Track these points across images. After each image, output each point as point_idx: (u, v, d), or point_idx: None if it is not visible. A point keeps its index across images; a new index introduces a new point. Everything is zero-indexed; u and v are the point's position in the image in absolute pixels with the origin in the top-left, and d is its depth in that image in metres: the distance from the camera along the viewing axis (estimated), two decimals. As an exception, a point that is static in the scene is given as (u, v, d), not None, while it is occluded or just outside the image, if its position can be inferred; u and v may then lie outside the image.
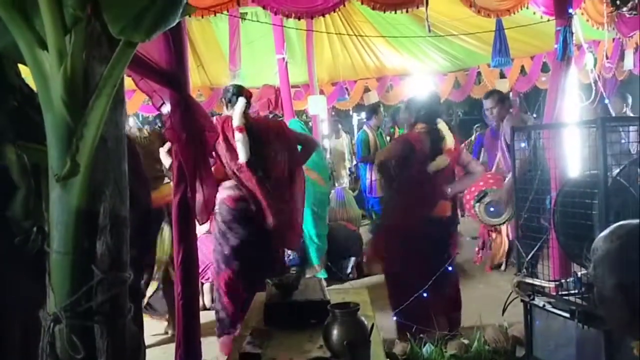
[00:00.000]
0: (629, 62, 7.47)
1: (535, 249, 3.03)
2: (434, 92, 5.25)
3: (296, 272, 4.18)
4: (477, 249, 6.38)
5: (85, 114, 1.25)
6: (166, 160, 3.91)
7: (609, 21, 5.15)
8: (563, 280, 2.83)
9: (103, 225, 1.29)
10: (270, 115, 7.77)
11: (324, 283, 2.76)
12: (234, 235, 3.87)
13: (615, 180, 2.55)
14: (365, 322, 2.01)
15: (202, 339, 3.19)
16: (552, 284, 2.83)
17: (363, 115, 13.78)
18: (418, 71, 9.50)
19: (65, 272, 1.27)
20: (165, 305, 4.52)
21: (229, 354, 2.59)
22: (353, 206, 7.03)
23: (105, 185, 1.29)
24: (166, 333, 4.55)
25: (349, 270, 6.01)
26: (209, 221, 3.81)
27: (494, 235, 6.08)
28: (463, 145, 6.99)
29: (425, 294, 3.89)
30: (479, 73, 9.58)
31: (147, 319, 4.10)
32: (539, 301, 2.87)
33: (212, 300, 5.16)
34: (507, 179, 4.93)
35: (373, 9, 4.47)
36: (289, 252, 5.63)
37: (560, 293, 2.76)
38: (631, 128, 2.97)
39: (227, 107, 4.02)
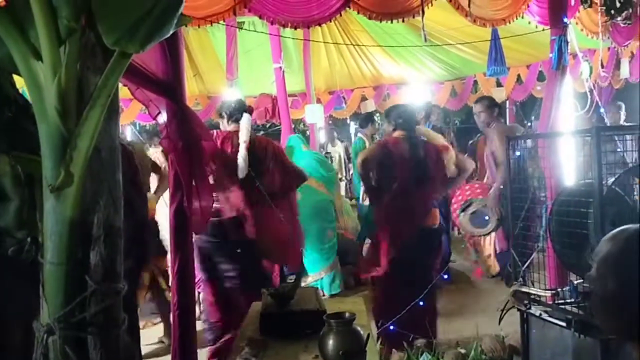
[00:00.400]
0: (625, 71, 7.51)
1: (530, 258, 3.03)
2: (410, 103, 5.27)
3: (292, 282, 4.17)
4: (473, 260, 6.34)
5: (79, 125, 1.25)
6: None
7: (603, 30, 5.18)
8: (559, 289, 2.84)
9: (97, 236, 1.28)
10: (268, 125, 7.79)
11: (320, 293, 2.75)
12: (218, 250, 3.88)
13: (610, 189, 2.55)
14: (361, 332, 2.00)
15: (198, 350, 3.17)
16: (548, 293, 2.83)
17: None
18: (415, 80, 9.53)
19: (58, 282, 1.27)
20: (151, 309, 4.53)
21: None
22: (351, 215, 7.03)
23: (99, 195, 1.29)
24: (162, 342, 4.53)
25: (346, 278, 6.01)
26: None
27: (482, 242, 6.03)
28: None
29: (420, 303, 3.88)
30: (475, 82, 9.62)
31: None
32: (535, 310, 2.87)
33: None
34: (492, 188, 4.92)
35: (369, 18, 4.49)
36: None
37: (556, 302, 2.77)
38: (626, 137, 2.98)
39: (227, 122, 4.02)
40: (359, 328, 2.02)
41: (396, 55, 8.49)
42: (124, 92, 2.37)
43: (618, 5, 5.07)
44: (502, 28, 5.14)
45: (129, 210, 1.42)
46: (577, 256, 2.72)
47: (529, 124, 8.20)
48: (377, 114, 10.30)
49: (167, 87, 2.84)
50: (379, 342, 3.76)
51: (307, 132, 9.05)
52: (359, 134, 8.38)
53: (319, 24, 4.57)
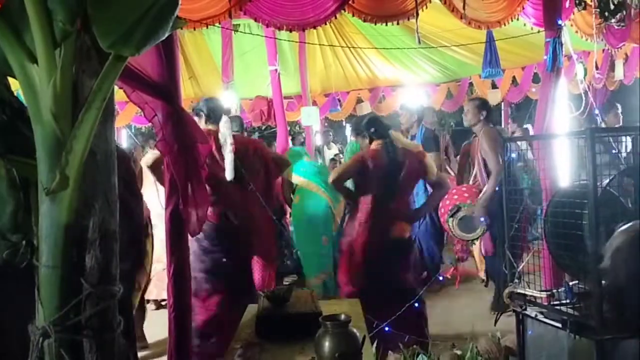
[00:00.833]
0: (619, 73, 7.56)
1: (526, 259, 3.04)
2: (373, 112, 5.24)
3: (289, 284, 4.19)
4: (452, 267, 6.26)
5: (74, 128, 1.25)
6: None
7: (597, 32, 5.20)
8: (555, 290, 2.85)
9: (92, 239, 1.28)
10: (263, 127, 7.79)
11: (316, 295, 2.76)
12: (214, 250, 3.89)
13: (605, 190, 2.56)
14: (357, 334, 2.01)
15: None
16: (543, 294, 2.84)
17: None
18: (410, 82, 9.55)
19: (54, 286, 1.27)
20: None
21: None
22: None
23: (95, 198, 1.29)
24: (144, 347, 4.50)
25: None
26: None
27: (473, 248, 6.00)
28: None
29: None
30: (471, 84, 9.65)
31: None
32: (531, 311, 2.88)
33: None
34: (481, 195, 4.90)
35: (364, 20, 4.50)
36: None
37: (552, 303, 2.77)
38: (621, 138, 3.00)
39: (205, 122, 4.04)
40: (355, 330, 2.02)
41: (391, 57, 8.51)
42: (119, 94, 2.37)
43: (612, 7, 5.10)
44: (497, 30, 5.16)
45: (124, 214, 1.42)
46: (572, 257, 2.73)
47: (525, 126, 8.21)
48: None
49: (163, 89, 2.84)
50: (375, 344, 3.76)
51: (303, 134, 9.05)
52: (352, 137, 8.36)
53: (315, 27, 4.57)
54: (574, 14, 4.84)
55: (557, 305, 2.73)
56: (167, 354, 3.03)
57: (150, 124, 4.00)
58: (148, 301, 5.64)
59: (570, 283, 2.80)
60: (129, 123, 9.05)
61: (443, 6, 4.53)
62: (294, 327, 2.38)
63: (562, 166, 4.09)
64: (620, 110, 6.91)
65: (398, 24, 4.69)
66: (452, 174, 6.39)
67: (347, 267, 4.09)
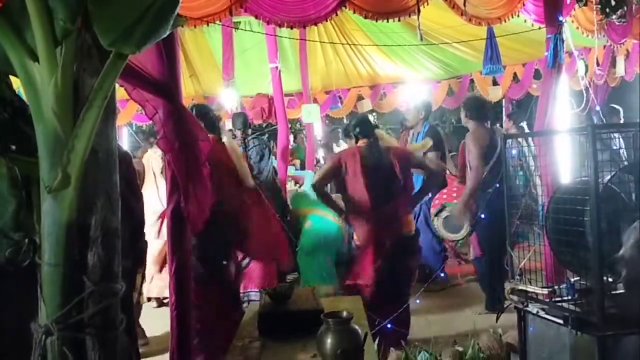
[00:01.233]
0: (620, 69, 7.54)
1: (528, 256, 3.04)
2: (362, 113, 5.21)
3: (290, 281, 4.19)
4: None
5: (76, 126, 1.25)
6: None
7: (599, 28, 5.19)
8: (556, 287, 2.85)
9: (94, 237, 1.28)
10: (264, 124, 7.80)
11: (317, 292, 2.76)
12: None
13: (606, 187, 2.56)
14: (359, 331, 2.01)
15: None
16: (545, 291, 2.84)
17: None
18: (411, 79, 9.54)
19: (56, 284, 1.27)
20: None
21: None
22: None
23: (96, 196, 1.29)
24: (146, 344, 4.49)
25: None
26: None
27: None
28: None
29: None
30: (472, 80, 9.63)
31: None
32: (532, 308, 2.88)
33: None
34: (463, 193, 4.88)
35: (365, 17, 4.50)
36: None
37: (553, 299, 2.78)
38: (613, 135, 2.99)
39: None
40: (356, 327, 2.02)
41: (392, 54, 8.50)
42: (120, 92, 2.37)
43: (613, 3, 5.09)
44: (498, 26, 5.15)
45: (125, 212, 1.42)
46: (574, 253, 2.73)
47: (520, 124, 8.20)
48: (374, 113, 10.30)
49: (164, 87, 2.84)
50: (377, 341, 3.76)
51: (304, 132, 9.05)
52: None
53: (315, 24, 4.57)
54: (574, 10, 4.83)
55: (558, 301, 2.74)
56: (169, 351, 3.04)
57: (151, 122, 3.99)
58: (149, 299, 5.66)
59: (572, 279, 2.80)
60: (129, 121, 9.05)
61: (444, 3, 4.52)
62: (295, 324, 2.39)
63: (563, 163, 4.09)
64: (622, 114, 6.90)
65: (399, 20, 4.69)
66: (448, 171, 6.36)
67: (361, 270, 4.05)
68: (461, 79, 9.69)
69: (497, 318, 3.59)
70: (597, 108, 5.94)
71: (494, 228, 4.52)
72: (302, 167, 8.10)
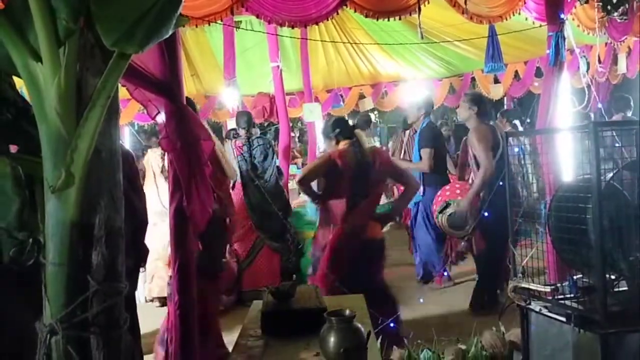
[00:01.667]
0: (622, 66, 7.54)
1: (530, 253, 3.04)
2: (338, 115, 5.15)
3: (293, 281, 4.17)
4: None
5: (79, 126, 1.25)
6: None
7: (600, 26, 5.19)
8: (559, 285, 2.85)
9: (98, 236, 1.29)
10: (266, 123, 7.80)
11: (320, 291, 2.76)
12: None
13: (608, 184, 2.56)
14: (362, 329, 2.01)
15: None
16: (548, 289, 2.84)
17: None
18: (412, 77, 9.54)
19: (60, 283, 1.27)
20: None
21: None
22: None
23: (100, 196, 1.29)
24: None
25: None
26: None
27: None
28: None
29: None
30: (473, 78, 9.63)
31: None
32: (535, 306, 2.88)
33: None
34: (469, 191, 4.86)
35: (366, 16, 4.50)
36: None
37: (556, 297, 2.78)
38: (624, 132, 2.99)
39: None
40: (359, 325, 2.02)
41: (393, 52, 8.50)
42: (121, 92, 2.37)
43: (614, 1, 5.08)
44: (500, 24, 5.15)
45: (128, 211, 1.42)
46: (576, 251, 2.73)
47: (528, 120, 8.20)
48: (376, 112, 10.29)
49: (166, 87, 2.84)
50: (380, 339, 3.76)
51: (305, 130, 9.05)
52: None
53: (317, 23, 4.58)
54: (575, 7, 4.83)
55: (561, 299, 2.74)
56: (171, 351, 3.04)
57: (152, 122, 4.00)
58: (152, 299, 5.67)
59: (575, 277, 2.80)
60: (131, 121, 9.06)
61: (445, 1, 4.52)
62: (298, 322, 2.39)
63: (566, 160, 4.09)
64: (632, 103, 6.87)
65: (400, 19, 4.69)
66: (448, 170, 6.34)
67: (325, 270, 4.02)
68: (463, 77, 9.69)
69: (500, 316, 3.59)
70: (599, 105, 5.92)
71: (497, 225, 4.53)
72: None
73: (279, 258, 5.71)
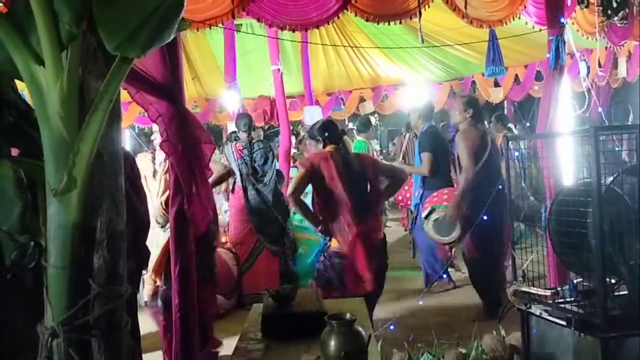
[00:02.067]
0: (622, 70, 7.55)
1: (531, 257, 3.04)
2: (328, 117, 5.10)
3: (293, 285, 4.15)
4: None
5: (81, 129, 1.25)
6: None
7: (599, 30, 5.20)
8: (559, 288, 2.85)
9: (100, 240, 1.29)
10: (266, 126, 7.80)
11: (321, 294, 2.76)
12: None
13: (609, 189, 2.56)
14: (363, 333, 2.01)
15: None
16: (548, 292, 2.84)
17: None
18: (413, 81, 9.56)
19: (62, 286, 1.27)
20: None
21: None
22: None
23: (102, 199, 1.30)
24: None
25: None
26: None
27: None
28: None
29: None
30: (473, 82, 9.64)
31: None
32: (535, 309, 2.88)
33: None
34: (455, 196, 4.81)
35: (367, 20, 4.51)
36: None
37: (556, 301, 2.78)
38: (624, 136, 3.00)
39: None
40: (360, 329, 2.03)
41: (394, 56, 8.51)
42: (123, 95, 2.38)
43: (615, 5, 5.09)
44: (500, 28, 5.16)
45: (129, 213, 1.42)
46: (577, 255, 2.74)
47: (527, 124, 8.21)
48: (376, 115, 10.30)
49: (167, 90, 2.85)
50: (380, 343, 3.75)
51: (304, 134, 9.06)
52: (358, 137, 8.28)
53: (317, 27, 4.58)
54: (575, 12, 4.84)
55: (561, 303, 2.74)
56: (173, 353, 3.05)
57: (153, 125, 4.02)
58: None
59: (575, 281, 2.81)
60: (132, 124, 9.07)
61: (445, 5, 4.54)
62: (299, 326, 2.39)
63: (566, 164, 4.09)
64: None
65: (400, 23, 4.70)
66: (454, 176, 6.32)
67: (352, 277, 3.97)
68: (463, 80, 9.71)
69: (500, 320, 3.60)
70: (599, 109, 5.93)
71: (490, 230, 4.51)
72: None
73: (278, 261, 5.71)
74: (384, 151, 13.30)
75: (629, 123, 6.89)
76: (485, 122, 7.78)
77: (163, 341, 3.86)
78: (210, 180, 3.42)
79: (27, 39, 1.29)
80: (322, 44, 7.84)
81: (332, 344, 1.95)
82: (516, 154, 3.57)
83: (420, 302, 5.15)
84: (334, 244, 4.03)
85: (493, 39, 5.63)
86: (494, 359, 3.66)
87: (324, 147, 4.10)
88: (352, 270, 3.96)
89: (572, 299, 2.73)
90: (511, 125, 7.81)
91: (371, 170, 4.09)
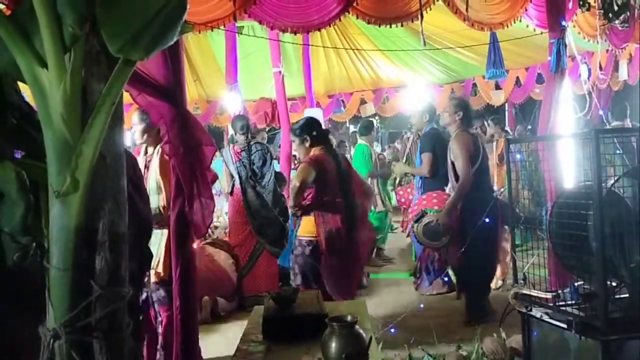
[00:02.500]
0: (623, 73, 7.56)
1: (532, 260, 3.04)
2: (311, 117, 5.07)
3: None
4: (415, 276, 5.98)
5: (84, 131, 1.26)
6: None
7: (601, 33, 5.21)
8: (560, 291, 2.85)
9: (102, 241, 1.29)
10: (267, 128, 7.80)
11: (321, 296, 2.76)
12: None
13: (609, 191, 2.56)
14: (364, 335, 2.02)
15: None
16: (549, 295, 2.84)
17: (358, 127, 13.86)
18: (414, 83, 9.57)
19: (64, 288, 1.28)
20: None
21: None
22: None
23: (104, 201, 1.30)
24: None
25: (364, 281, 6.02)
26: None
27: None
28: None
29: None
30: (474, 84, 9.65)
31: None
32: (536, 312, 2.88)
33: (211, 314, 5.17)
34: (447, 202, 4.76)
35: (368, 23, 4.52)
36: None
37: (557, 304, 2.78)
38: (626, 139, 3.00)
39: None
40: (361, 331, 2.03)
41: (395, 58, 8.52)
42: (124, 97, 2.39)
43: (616, 8, 5.10)
44: (501, 31, 5.17)
45: (132, 215, 1.43)
46: (577, 258, 2.74)
47: (528, 126, 8.22)
48: (377, 117, 10.31)
49: (169, 92, 2.86)
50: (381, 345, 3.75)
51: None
52: (360, 140, 8.21)
53: (319, 29, 4.59)
54: (576, 15, 4.84)
55: (562, 306, 2.74)
56: (173, 354, 3.05)
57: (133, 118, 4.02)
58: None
59: (576, 284, 2.81)
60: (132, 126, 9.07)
61: (447, 8, 4.54)
62: (300, 327, 2.39)
63: (567, 167, 4.09)
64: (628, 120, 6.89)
65: (402, 25, 4.70)
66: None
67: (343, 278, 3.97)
68: (464, 83, 9.72)
69: (501, 322, 3.59)
70: (600, 112, 5.93)
71: (480, 238, 4.45)
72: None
73: (277, 263, 5.71)
74: (384, 153, 13.29)
75: (627, 119, 6.88)
76: (481, 126, 7.80)
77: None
78: None
79: (30, 41, 1.29)
80: (323, 46, 7.85)
81: (333, 346, 1.96)
82: (517, 156, 3.56)
83: (422, 306, 5.15)
84: (305, 230, 3.98)
85: (494, 41, 5.64)
86: (494, 361, 3.67)
87: (310, 146, 4.00)
88: (335, 267, 3.92)
89: (573, 301, 2.73)
90: (508, 129, 7.80)
91: (354, 172, 4.16)
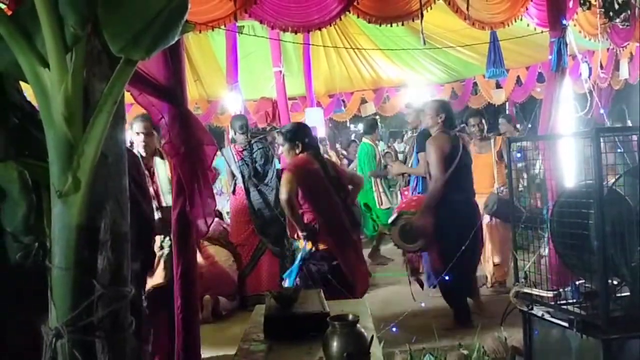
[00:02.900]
0: (624, 72, 7.56)
1: (533, 259, 3.04)
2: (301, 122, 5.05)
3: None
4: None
5: (86, 131, 1.26)
6: None
7: (602, 32, 5.21)
8: (561, 290, 2.85)
9: (104, 241, 1.30)
10: (268, 128, 7.81)
11: (323, 295, 2.76)
12: None
13: (611, 190, 2.57)
14: (365, 334, 2.02)
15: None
16: (550, 294, 2.84)
17: (360, 126, 13.85)
18: (414, 82, 9.56)
19: (66, 287, 1.28)
20: None
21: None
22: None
23: (106, 200, 1.30)
24: None
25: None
26: None
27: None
28: None
29: None
30: (475, 84, 9.65)
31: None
32: (537, 311, 2.88)
33: (213, 313, 5.18)
34: (422, 203, 4.71)
35: (369, 22, 4.52)
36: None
37: (558, 302, 2.78)
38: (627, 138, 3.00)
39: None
40: (362, 330, 2.03)
41: (396, 57, 8.52)
42: (125, 96, 2.39)
43: (617, 7, 5.10)
44: (502, 30, 5.17)
45: (134, 214, 1.43)
46: (579, 257, 2.74)
47: (529, 125, 8.22)
48: (378, 116, 10.30)
49: (169, 92, 2.86)
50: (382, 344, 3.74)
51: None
52: (364, 139, 8.14)
53: (319, 29, 4.60)
54: (577, 13, 4.84)
55: (563, 304, 2.74)
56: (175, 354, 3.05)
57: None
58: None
59: (577, 282, 2.81)
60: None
61: (447, 7, 4.54)
62: (301, 327, 2.39)
63: (568, 166, 4.09)
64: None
65: (402, 25, 4.71)
66: None
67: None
68: (464, 82, 9.72)
69: (502, 321, 3.59)
70: (601, 111, 5.92)
71: (458, 239, 4.41)
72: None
73: (279, 262, 5.71)
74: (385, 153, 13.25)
75: (629, 122, 6.88)
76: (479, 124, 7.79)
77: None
78: None
79: (32, 41, 1.30)
80: (323, 46, 7.85)
81: (335, 345, 1.96)
82: (518, 155, 3.56)
83: (422, 305, 5.15)
84: (320, 246, 3.98)
85: (494, 40, 5.64)
86: (495, 360, 3.67)
87: (301, 151, 3.99)
88: (340, 271, 3.94)
89: (574, 300, 2.73)
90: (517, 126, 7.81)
91: (343, 174, 4.18)
